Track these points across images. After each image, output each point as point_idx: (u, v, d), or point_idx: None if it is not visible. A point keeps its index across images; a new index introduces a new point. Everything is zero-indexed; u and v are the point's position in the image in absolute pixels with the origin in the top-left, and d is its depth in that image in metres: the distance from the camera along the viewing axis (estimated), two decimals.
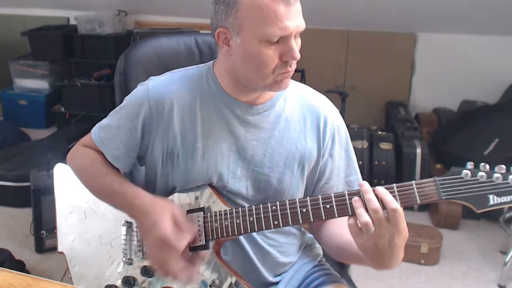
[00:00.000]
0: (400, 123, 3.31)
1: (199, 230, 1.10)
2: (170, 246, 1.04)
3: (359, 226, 0.96)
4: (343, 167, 1.21)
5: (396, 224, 0.94)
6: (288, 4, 0.99)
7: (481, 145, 2.91)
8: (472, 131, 3.03)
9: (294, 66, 1.06)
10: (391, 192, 0.97)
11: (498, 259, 2.48)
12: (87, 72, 3.93)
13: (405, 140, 3.07)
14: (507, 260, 2.33)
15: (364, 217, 0.95)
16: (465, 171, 0.96)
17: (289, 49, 1.01)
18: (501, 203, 0.94)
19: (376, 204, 0.95)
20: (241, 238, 1.15)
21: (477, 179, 0.95)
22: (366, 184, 0.98)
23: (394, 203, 0.95)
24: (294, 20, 1.00)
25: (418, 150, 3.00)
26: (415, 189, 0.97)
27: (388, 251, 0.97)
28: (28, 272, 2.28)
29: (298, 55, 1.03)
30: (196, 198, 1.14)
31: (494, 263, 2.48)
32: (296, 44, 1.03)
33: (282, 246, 1.22)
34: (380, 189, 0.97)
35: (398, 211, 0.94)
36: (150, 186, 1.20)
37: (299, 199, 1.05)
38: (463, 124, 3.14)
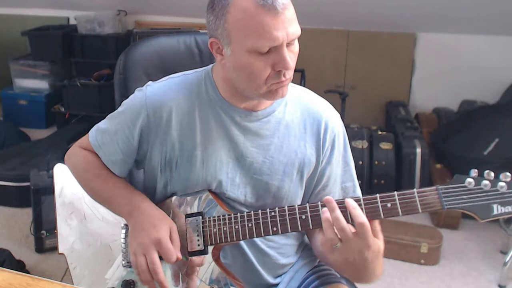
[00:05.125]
0: (400, 123, 3.31)
1: (197, 235, 1.09)
2: (164, 250, 1.03)
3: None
4: (340, 173, 1.20)
5: (365, 239, 0.94)
6: (276, 14, 0.94)
7: (481, 145, 2.90)
8: (472, 131, 3.03)
9: (289, 75, 1.02)
10: (391, 201, 0.96)
11: (498, 259, 2.48)
12: (87, 72, 3.93)
13: (405, 140, 3.07)
14: (507, 260, 2.33)
15: (329, 233, 0.96)
16: (468, 180, 0.93)
17: (281, 59, 0.98)
18: (505, 213, 0.92)
19: (342, 223, 0.94)
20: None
21: (481, 188, 0.93)
22: (332, 201, 0.97)
23: (361, 217, 0.94)
24: (284, 29, 0.96)
25: (418, 150, 3.00)
26: (417, 198, 0.95)
27: (362, 266, 0.97)
28: (28, 272, 2.28)
29: (290, 65, 0.99)
30: (196, 202, 1.13)
31: (494, 263, 2.48)
32: (290, 52, 1.00)
33: (282, 247, 1.21)
34: (350, 202, 0.96)
35: (365, 225, 0.93)
36: (149, 191, 1.19)
37: (298, 205, 1.03)
38: (463, 124, 3.14)
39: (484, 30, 3.40)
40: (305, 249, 1.31)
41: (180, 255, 1.05)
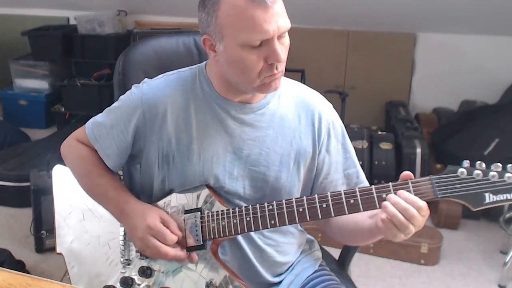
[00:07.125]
0: (400, 123, 3.30)
1: (196, 230, 1.11)
2: (156, 232, 1.07)
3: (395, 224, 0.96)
4: (341, 161, 1.22)
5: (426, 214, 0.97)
6: (266, 7, 0.97)
7: (481, 145, 2.90)
8: (472, 131, 3.03)
9: (281, 68, 1.05)
10: (386, 191, 0.98)
11: (498, 259, 2.48)
12: (87, 72, 3.93)
13: (405, 140, 3.07)
14: (507, 260, 2.33)
15: (403, 223, 0.95)
16: (461, 170, 0.96)
17: (273, 52, 1.01)
18: (497, 201, 0.94)
19: (411, 211, 0.94)
20: (239, 237, 1.15)
21: (473, 177, 0.95)
22: (391, 198, 0.96)
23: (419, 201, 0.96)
24: (275, 23, 0.99)
25: (418, 150, 3.00)
26: (411, 188, 0.97)
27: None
28: (28, 272, 2.28)
29: (282, 58, 1.02)
30: (194, 198, 1.14)
31: (494, 263, 2.48)
32: (281, 45, 1.02)
33: (280, 245, 1.22)
34: (406, 195, 0.97)
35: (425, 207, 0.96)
36: (147, 188, 1.20)
37: (295, 198, 1.05)
38: (463, 124, 3.14)
39: (484, 30, 3.40)
40: (304, 252, 1.32)
41: (179, 233, 1.09)
